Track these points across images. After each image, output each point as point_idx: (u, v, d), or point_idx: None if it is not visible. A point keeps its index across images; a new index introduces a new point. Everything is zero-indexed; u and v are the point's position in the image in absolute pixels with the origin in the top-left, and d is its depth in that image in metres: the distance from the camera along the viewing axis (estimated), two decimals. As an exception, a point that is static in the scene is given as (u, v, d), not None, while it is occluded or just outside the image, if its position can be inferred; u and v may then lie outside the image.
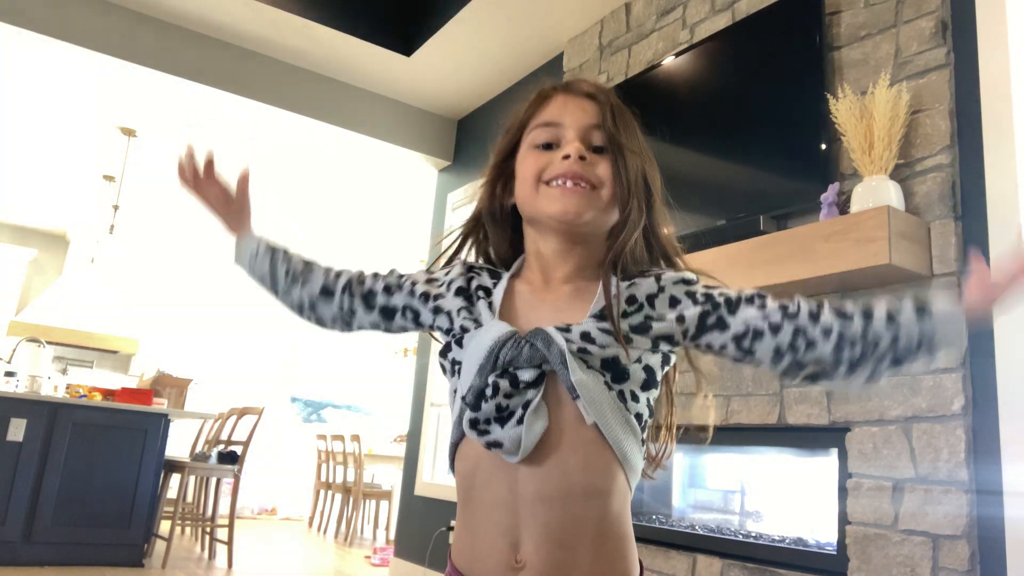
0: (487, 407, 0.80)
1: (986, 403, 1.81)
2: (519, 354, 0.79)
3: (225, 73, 3.94)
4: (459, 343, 0.87)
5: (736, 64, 2.60)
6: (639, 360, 0.83)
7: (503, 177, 0.95)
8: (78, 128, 4.98)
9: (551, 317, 0.85)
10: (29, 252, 7.49)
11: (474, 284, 0.92)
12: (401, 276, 0.98)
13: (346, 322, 1.00)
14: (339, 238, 7.01)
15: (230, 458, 4.53)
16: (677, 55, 2.80)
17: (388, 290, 0.97)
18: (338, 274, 1.00)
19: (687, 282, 0.88)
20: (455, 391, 0.87)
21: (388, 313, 0.97)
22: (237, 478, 4.46)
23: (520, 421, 0.79)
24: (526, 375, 0.79)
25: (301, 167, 5.34)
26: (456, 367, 0.87)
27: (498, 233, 0.96)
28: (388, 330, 1.00)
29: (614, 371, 0.81)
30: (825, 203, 2.08)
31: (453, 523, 3.90)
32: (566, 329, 0.81)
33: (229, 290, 7.63)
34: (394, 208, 5.96)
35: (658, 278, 0.87)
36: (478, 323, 0.86)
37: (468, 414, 0.81)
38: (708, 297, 0.86)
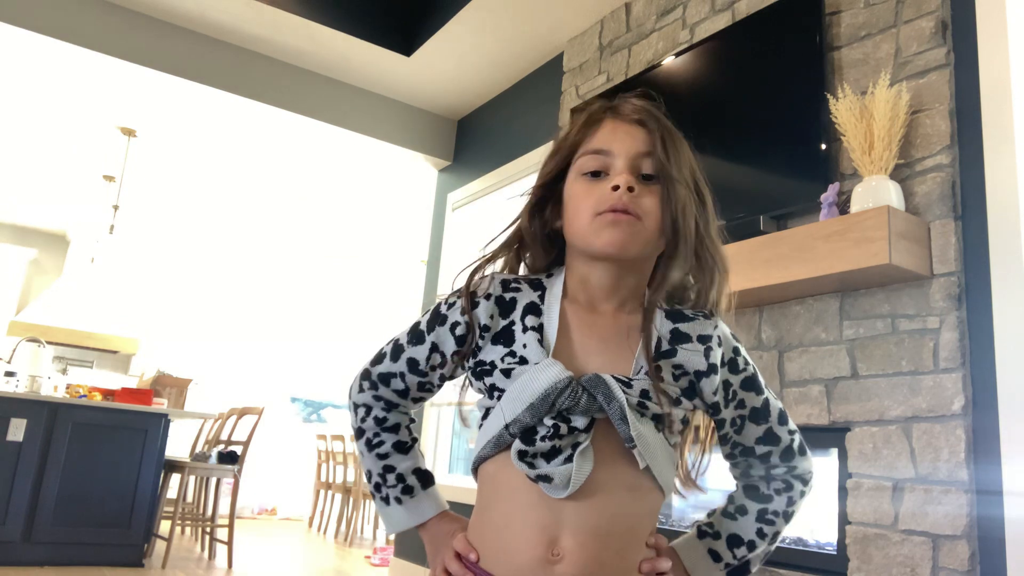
0: (541, 445, 0.82)
1: (986, 403, 1.81)
2: (576, 404, 0.82)
3: (225, 73, 3.94)
4: (506, 374, 0.87)
5: (736, 64, 2.60)
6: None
7: (550, 199, 0.95)
8: (78, 128, 4.98)
9: (600, 352, 0.88)
10: (29, 252, 7.49)
11: (520, 306, 0.90)
12: (423, 380, 0.98)
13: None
14: (339, 238, 7.01)
15: (230, 458, 4.53)
16: (677, 55, 2.80)
17: (422, 389, 0.98)
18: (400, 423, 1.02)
19: (734, 368, 0.92)
20: (488, 409, 0.88)
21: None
22: (237, 478, 4.46)
23: (569, 459, 0.81)
24: (579, 422, 0.82)
25: (301, 167, 5.34)
26: (495, 392, 0.87)
27: (538, 251, 0.97)
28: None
29: (663, 420, 0.86)
30: (825, 203, 2.08)
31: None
32: (627, 384, 0.84)
33: (229, 290, 7.65)
34: (394, 208, 5.96)
35: (707, 352, 0.89)
36: (524, 360, 0.86)
37: (518, 446, 0.83)
38: (740, 404, 0.93)
